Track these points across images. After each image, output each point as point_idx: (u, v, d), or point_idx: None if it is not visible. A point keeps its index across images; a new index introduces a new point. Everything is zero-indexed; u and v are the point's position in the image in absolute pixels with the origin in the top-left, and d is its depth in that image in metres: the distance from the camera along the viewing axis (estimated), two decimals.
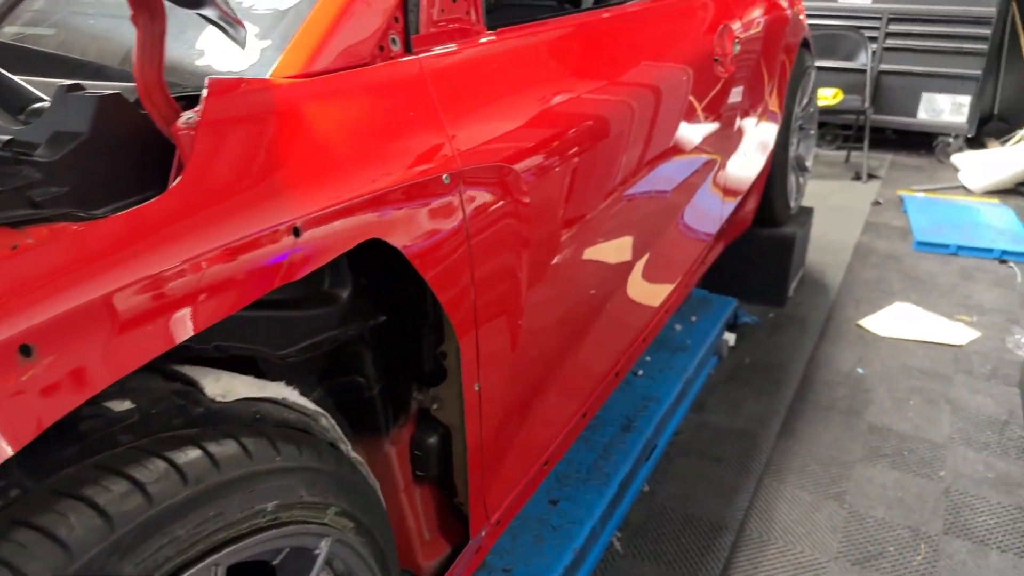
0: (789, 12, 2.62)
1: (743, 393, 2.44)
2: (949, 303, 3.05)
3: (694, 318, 2.49)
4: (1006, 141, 4.99)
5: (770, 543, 1.83)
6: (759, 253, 2.97)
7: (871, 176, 4.70)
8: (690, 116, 1.74)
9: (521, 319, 1.16)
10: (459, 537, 1.20)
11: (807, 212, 3.16)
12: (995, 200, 4.19)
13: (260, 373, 0.89)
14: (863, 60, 4.67)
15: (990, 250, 3.47)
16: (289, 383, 0.87)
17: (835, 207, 4.21)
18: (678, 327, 2.43)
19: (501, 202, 1.05)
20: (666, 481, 2.03)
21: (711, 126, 1.91)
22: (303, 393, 0.89)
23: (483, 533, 1.21)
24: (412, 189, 0.90)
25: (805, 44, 2.92)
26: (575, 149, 1.23)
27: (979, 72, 4.69)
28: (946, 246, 3.53)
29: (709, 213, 2.13)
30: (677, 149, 1.72)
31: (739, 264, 3.02)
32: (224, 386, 0.77)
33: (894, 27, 4.82)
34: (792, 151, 3.02)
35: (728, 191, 2.25)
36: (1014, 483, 2.02)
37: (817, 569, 1.75)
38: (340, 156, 0.84)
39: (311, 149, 0.81)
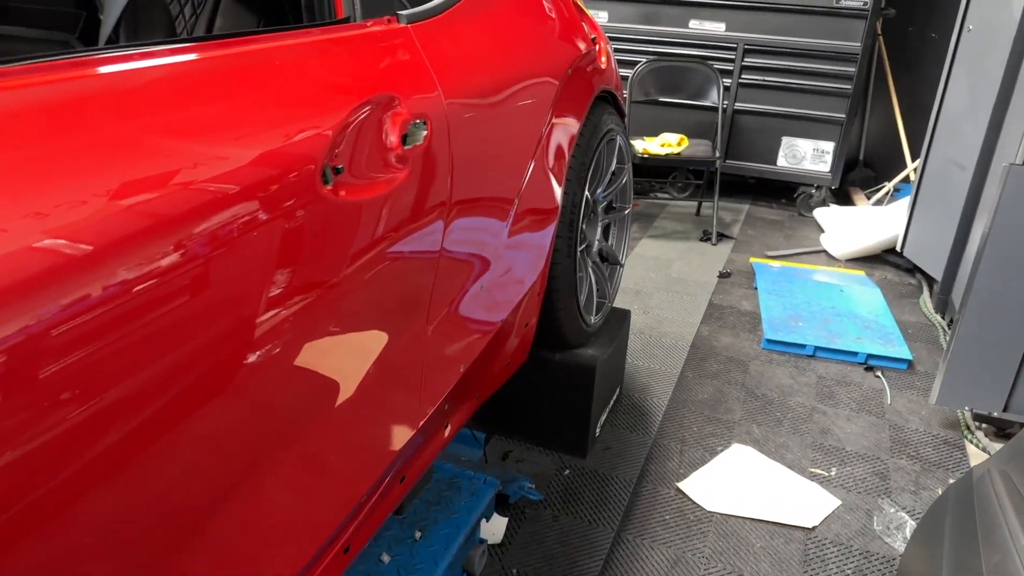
0: (576, 62, 1.77)
1: None
2: (802, 442, 2.29)
3: (419, 534, 1.59)
4: (872, 193, 4.42)
5: None
6: (552, 385, 2.12)
7: (722, 236, 3.99)
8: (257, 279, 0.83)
9: None
10: None
11: (620, 319, 2.33)
12: (860, 272, 3.54)
13: None
14: (714, 98, 3.96)
15: (855, 353, 2.76)
16: None
17: (677, 279, 3.45)
18: (386, 559, 1.52)
19: None
20: None
21: (354, 276, 1.01)
22: None
23: None
24: None
25: (607, 98, 2.08)
26: None
27: (843, 116, 4.07)
28: (802, 346, 2.81)
29: (401, 403, 1.23)
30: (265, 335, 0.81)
31: (528, 398, 2.16)
32: None
33: (751, 60, 4.14)
34: (594, 245, 2.18)
35: (447, 355, 1.35)
36: None
37: None
38: None
39: None
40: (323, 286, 0.95)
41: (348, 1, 1.11)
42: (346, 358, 1.05)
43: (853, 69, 3.97)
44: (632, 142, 3.88)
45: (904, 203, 3.48)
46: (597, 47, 2.05)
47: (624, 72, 3.99)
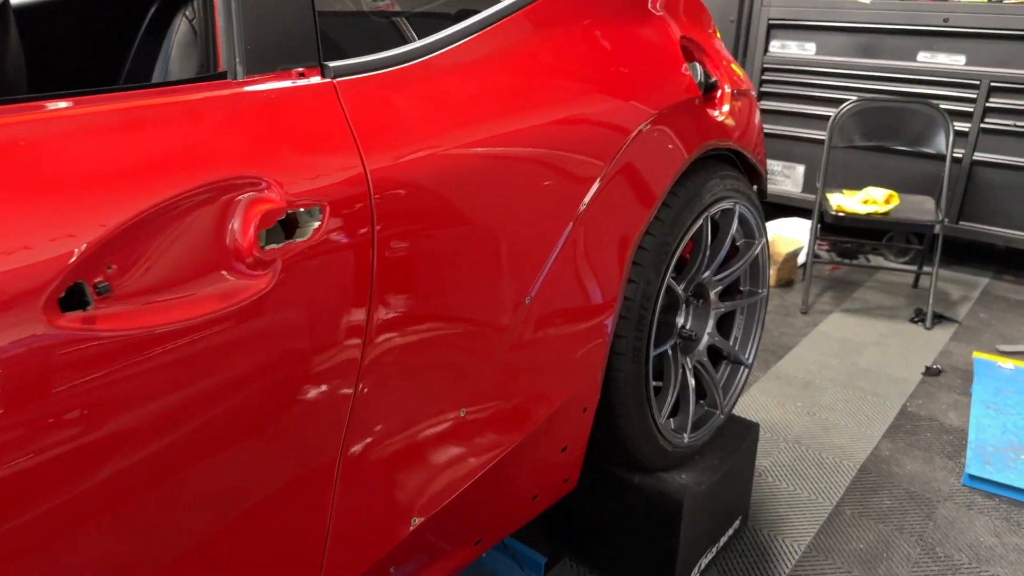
0: (658, 115, 1.36)
1: None
2: None
3: None
4: None
5: None
6: (631, 513, 1.68)
7: (940, 317, 3.19)
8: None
9: None
10: None
11: (742, 436, 1.83)
12: None
13: None
14: (940, 146, 3.19)
15: None
16: None
17: (865, 371, 2.77)
18: None
19: None
20: None
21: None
22: None
23: None
24: None
25: (727, 158, 1.64)
26: None
27: None
28: (1020, 491, 2.06)
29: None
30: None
31: (603, 523, 1.75)
32: None
33: (999, 100, 3.31)
34: (702, 340, 1.72)
35: (381, 506, 1.02)
36: None
37: None
38: None
39: None
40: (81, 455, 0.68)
41: (228, 52, 0.84)
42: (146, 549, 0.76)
43: None
44: (827, 196, 3.25)
45: None
46: (718, 93, 1.61)
47: (829, 111, 3.38)
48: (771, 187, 3.91)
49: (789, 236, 3.56)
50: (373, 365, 0.93)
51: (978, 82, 3.32)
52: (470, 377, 1.10)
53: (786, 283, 3.54)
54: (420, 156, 0.95)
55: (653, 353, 1.47)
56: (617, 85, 1.30)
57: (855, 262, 3.81)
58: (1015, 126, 3.28)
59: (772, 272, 3.40)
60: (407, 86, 0.98)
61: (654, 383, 1.52)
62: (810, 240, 3.33)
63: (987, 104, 3.32)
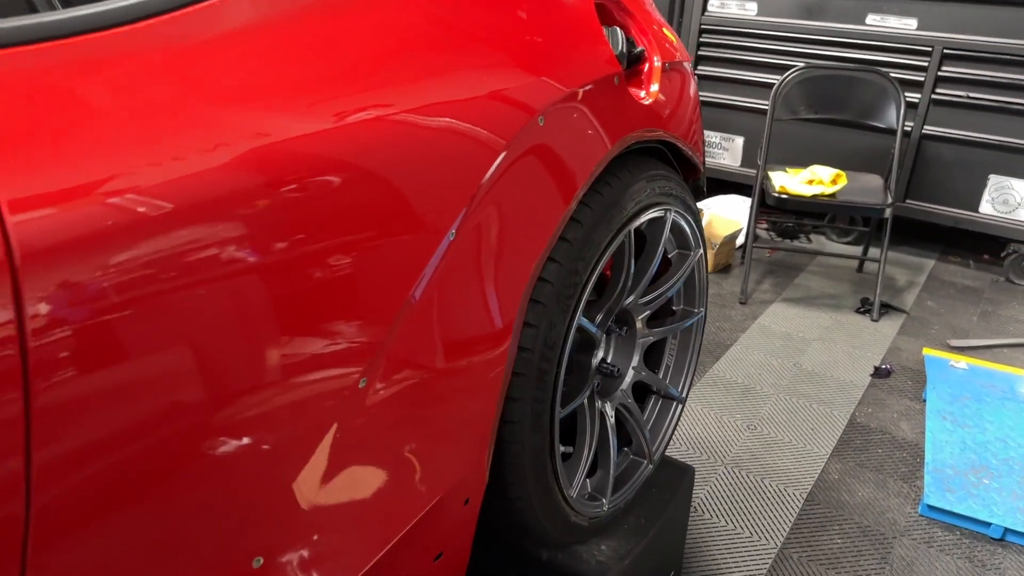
0: (562, 101, 0.98)
1: None
2: None
3: None
4: None
5: None
6: None
7: (888, 307, 2.95)
8: None
9: None
10: None
11: (673, 485, 1.50)
12: None
13: None
14: (890, 119, 2.91)
15: None
16: None
17: (810, 374, 2.50)
18: None
19: None
20: None
21: None
22: None
23: None
24: None
25: (657, 151, 1.28)
26: None
27: None
28: (985, 524, 1.82)
29: None
30: None
31: None
32: None
33: (951, 69, 3.04)
34: (627, 376, 1.37)
35: None
36: None
37: None
38: None
39: None
40: None
41: None
42: None
43: None
44: (769, 174, 2.95)
45: None
46: (645, 67, 1.24)
47: (772, 79, 3.06)
48: (708, 160, 3.60)
49: (727, 216, 3.26)
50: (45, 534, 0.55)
51: (930, 48, 3.04)
52: (265, 511, 0.73)
53: (723, 268, 3.25)
54: (130, 188, 0.56)
55: (561, 414, 1.12)
56: (508, 55, 0.92)
57: (796, 243, 3.55)
58: (968, 97, 3.03)
59: (708, 257, 3.10)
60: (109, 66, 0.58)
61: (563, 448, 1.18)
62: (750, 222, 3.04)
63: (939, 73, 3.05)
